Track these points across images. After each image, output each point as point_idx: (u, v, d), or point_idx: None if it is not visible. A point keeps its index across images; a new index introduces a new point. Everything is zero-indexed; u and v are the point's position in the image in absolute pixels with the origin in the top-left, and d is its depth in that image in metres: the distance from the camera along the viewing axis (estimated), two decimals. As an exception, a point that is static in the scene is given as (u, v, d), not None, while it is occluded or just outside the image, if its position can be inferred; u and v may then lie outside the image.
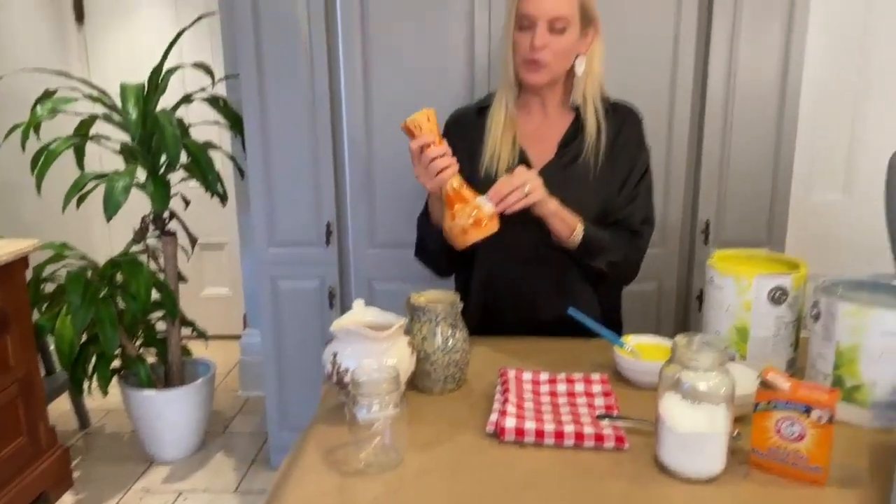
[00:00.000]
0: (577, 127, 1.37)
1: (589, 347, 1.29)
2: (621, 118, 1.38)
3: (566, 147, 1.36)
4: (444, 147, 1.21)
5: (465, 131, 1.26)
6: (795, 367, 1.17)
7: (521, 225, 1.28)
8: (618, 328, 1.46)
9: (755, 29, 1.93)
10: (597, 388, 1.10)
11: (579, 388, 1.11)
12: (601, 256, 1.33)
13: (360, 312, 1.10)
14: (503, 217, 1.24)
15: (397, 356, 1.03)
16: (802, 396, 0.84)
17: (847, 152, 2.68)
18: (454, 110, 1.44)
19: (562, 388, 1.12)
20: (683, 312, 2.15)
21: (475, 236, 1.21)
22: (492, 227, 1.22)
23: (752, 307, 1.13)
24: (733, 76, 1.96)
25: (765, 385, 0.87)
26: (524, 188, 1.20)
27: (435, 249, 1.39)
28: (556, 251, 1.34)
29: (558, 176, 1.33)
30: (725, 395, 0.85)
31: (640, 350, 1.19)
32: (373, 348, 1.01)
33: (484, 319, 1.39)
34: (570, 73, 1.35)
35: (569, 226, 1.29)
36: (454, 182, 1.22)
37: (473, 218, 1.20)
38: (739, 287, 1.13)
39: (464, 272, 1.46)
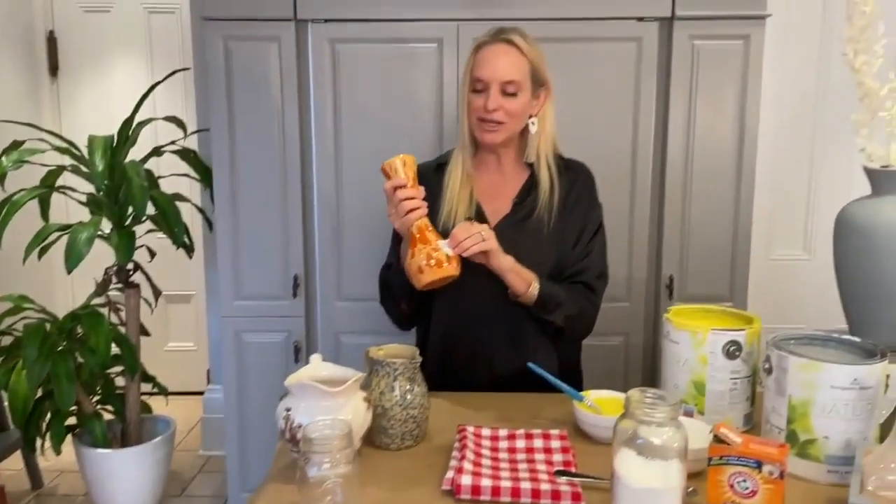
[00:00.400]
0: (531, 183, 1.41)
1: (549, 402, 1.28)
2: (574, 175, 1.43)
3: (521, 203, 1.40)
4: (417, 191, 1.27)
5: (424, 186, 1.30)
6: (753, 422, 1.18)
7: (478, 279, 1.31)
8: (577, 382, 1.46)
9: (711, 95, 2.01)
10: (555, 444, 1.09)
11: (538, 443, 1.10)
12: (557, 311, 1.35)
13: (317, 367, 1.09)
14: (466, 271, 1.26)
15: (352, 412, 1.01)
16: (753, 451, 0.84)
17: (805, 210, 2.77)
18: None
19: (520, 444, 1.10)
20: (651, 366, 2.16)
21: (431, 276, 1.25)
22: (450, 270, 1.25)
23: (708, 361, 1.14)
24: (691, 138, 2.03)
25: (717, 440, 0.87)
26: (481, 234, 1.25)
27: (397, 290, 1.41)
28: (512, 306, 1.35)
29: (514, 230, 1.36)
30: (678, 450, 0.85)
31: (601, 405, 1.19)
32: (327, 403, 0.99)
33: (442, 374, 1.38)
34: (525, 131, 1.40)
35: (525, 280, 1.32)
36: (420, 223, 1.27)
37: (435, 259, 1.24)
38: (695, 341, 1.14)
39: (423, 326, 1.46)
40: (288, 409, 1.00)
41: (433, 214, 1.37)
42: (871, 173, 1.22)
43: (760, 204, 2.29)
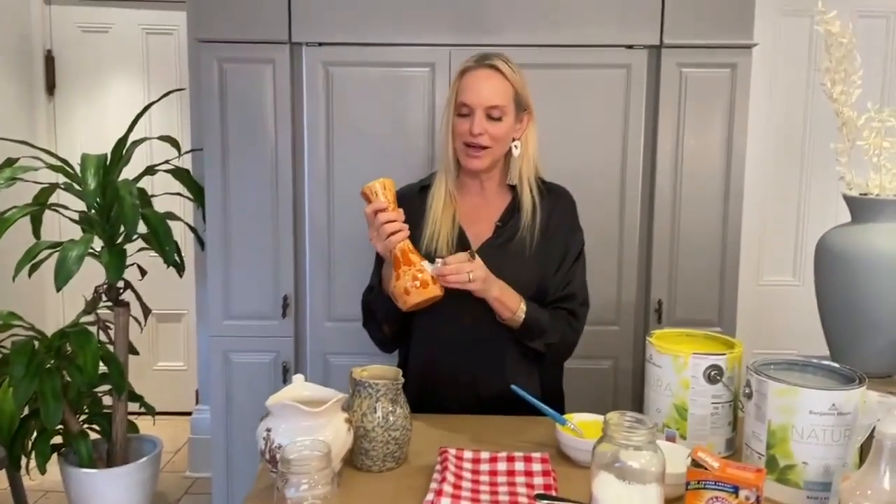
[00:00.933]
0: (514, 206, 1.42)
1: (532, 425, 1.28)
2: (555, 198, 1.45)
3: (503, 226, 1.41)
4: (397, 213, 1.29)
5: (407, 209, 1.32)
6: (735, 448, 1.18)
7: (462, 302, 1.31)
8: (559, 405, 1.46)
9: (699, 122, 2.03)
10: (537, 467, 1.09)
11: (519, 466, 1.10)
12: (540, 339, 1.37)
13: (299, 387, 1.09)
14: (448, 294, 1.27)
15: (333, 433, 1.01)
16: (730, 476, 0.84)
17: (795, 236, 2.79)
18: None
19: (502, 466, 1.10)
20: (640, 390, 2.16)
21: (417, 297, 1.26)
22: (436, 290, 1.27)
23: (690, 385, 1.14)
24: (680, 164, 2.05)
25: (695, 464, 0.88)
26: (468, 275, 1.26)
27: (380, 314, 1.42)
28: (496, 328, 1.36)
29: (496, 254, 1.37)
30: (656, 474, 0.85)
31: (583, 428, 1.19)
32: (307, 424, 0.99)
33: (424, 395, 1.38)
34: (508, 154, 1.42)
35: (509, 309, 1.33)
36: (403, 245, 1.28)
37: (420, 280, 1.26)
38: (677, 365, 1.15)
39: (405, 347, 1.47)
40: (268, 430, 1.00)
41: (416, 237, 1.38)
42: (850, 201, 1.24)
43: (750, 230, 2.32)
